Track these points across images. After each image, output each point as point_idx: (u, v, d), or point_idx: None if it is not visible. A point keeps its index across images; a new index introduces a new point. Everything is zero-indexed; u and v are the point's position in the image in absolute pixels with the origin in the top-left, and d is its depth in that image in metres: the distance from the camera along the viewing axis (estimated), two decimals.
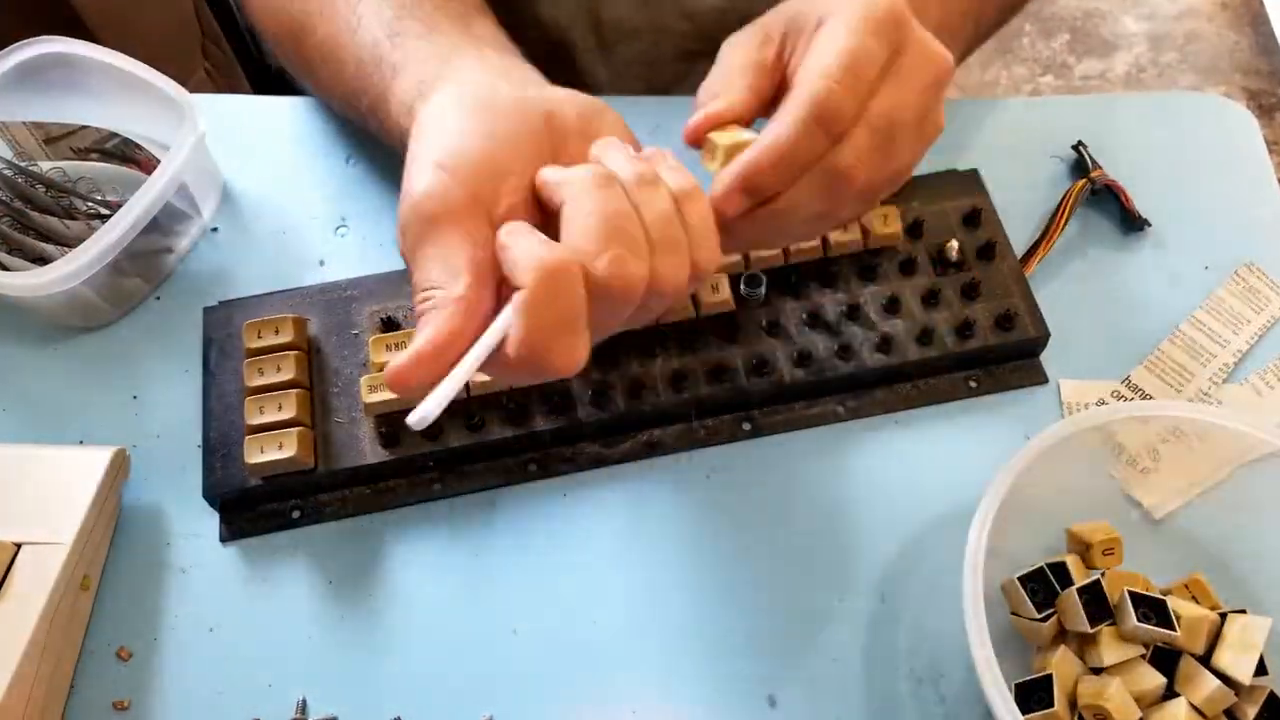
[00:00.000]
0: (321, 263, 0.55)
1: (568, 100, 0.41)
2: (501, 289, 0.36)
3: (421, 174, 0.37)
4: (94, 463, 0.46)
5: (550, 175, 0.37)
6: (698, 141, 0.41)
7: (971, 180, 0.55)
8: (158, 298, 0.54)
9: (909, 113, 0.39)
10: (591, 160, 0.37)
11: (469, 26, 0.48)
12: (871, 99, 0.38)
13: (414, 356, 0.34)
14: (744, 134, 0.40)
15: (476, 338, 0.35)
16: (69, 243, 0.50)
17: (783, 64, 0.42)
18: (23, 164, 0.53)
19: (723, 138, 0.40)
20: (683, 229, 0.37)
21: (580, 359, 0.35)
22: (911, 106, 0.39)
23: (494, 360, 0.35)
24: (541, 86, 0.43)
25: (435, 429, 0.47)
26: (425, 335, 0.34)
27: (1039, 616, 0.42)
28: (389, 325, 0.50)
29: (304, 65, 0.54)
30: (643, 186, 0.36)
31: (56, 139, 0.55)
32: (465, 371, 0.34)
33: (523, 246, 0.34)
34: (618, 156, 0.37)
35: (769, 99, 0.42)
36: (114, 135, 0.55)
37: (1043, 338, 0.51)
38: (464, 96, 0.40)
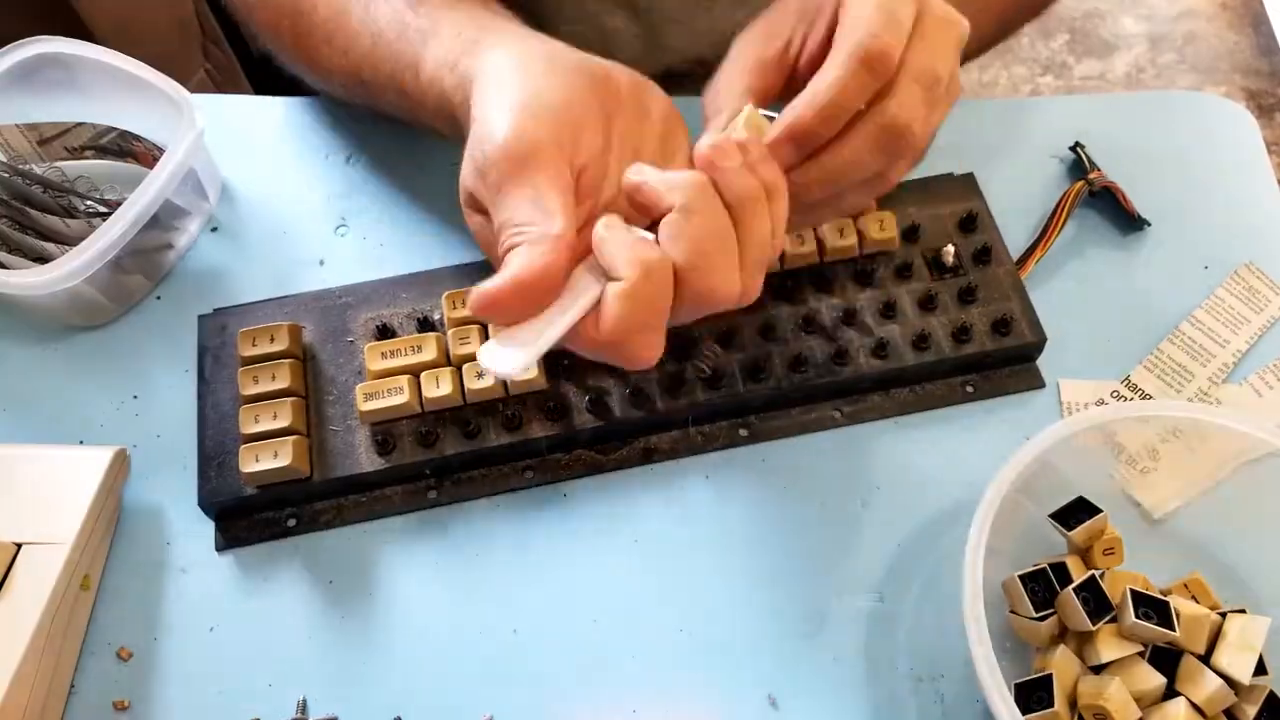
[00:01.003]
0: (321, 262, 0.55)
1: (621, 70, 0.42)
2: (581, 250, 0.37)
3: (505, 117, 0.38)
4: (94, 463, 0.46)
5: (654, 180, 0.37)
6: None
7: (968, 184, 0.55)
8: (158, 297, 0.54)
9: (943, 68, 0.40)
10: (700, 162, 0.38)
11: (488, 3, 0.48)
12: (908, 55, 0.39)
13: (512, 282, 0.35)
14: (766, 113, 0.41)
15: (565, 280, 0.36)
16: (70, 241, 0.50)
17: (790, 58, 0.42)
18: (19, 165, 0.53)
19: (745, 118, 0.41)
20: (771, 247, 0.38)
21: (657, 355, 0.37)
22: (943, 62, 0.40)
23: (578, 332, 0.36)
24: (586, 56, 0.43)
25: (432, 436, 0.47)
26: (522, 263, 0.35)
27: (1036, 616, 0.42)
28: (384, 333, 0.50)
29: (304, 45, 0.54)
30: (746, 204, 0.37)
31: (50, 139, 0.55)
32: (565, 324, 0.36)
33: (624, 240, 0.36)
34: (730, 163, 0.37)
35: (776, 95, 0.42)
36: (110, 130, 0.55)
37: (1039, 342, 0.51)
38: (530, 52, 0.41)
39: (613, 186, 0.41)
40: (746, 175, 0.37)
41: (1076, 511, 0.44)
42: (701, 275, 0.36)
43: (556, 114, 0.38)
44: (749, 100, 0.42)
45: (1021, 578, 0.43)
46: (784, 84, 0.43)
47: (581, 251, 0.37)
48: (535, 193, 0.36)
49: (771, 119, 0.41)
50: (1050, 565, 0.43)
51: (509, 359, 0.35)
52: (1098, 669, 0.41)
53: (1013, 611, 0.43)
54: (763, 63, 0.42)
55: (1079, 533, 0.43)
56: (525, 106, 0.38)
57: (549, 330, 0.36)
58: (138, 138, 0.56)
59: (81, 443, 0.50)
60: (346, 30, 0.50)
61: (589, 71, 0.41)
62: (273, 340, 0.49)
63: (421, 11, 0.47)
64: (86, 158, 0.56)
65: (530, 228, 0.36)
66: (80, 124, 0.55)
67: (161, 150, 0.54)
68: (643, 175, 0.37)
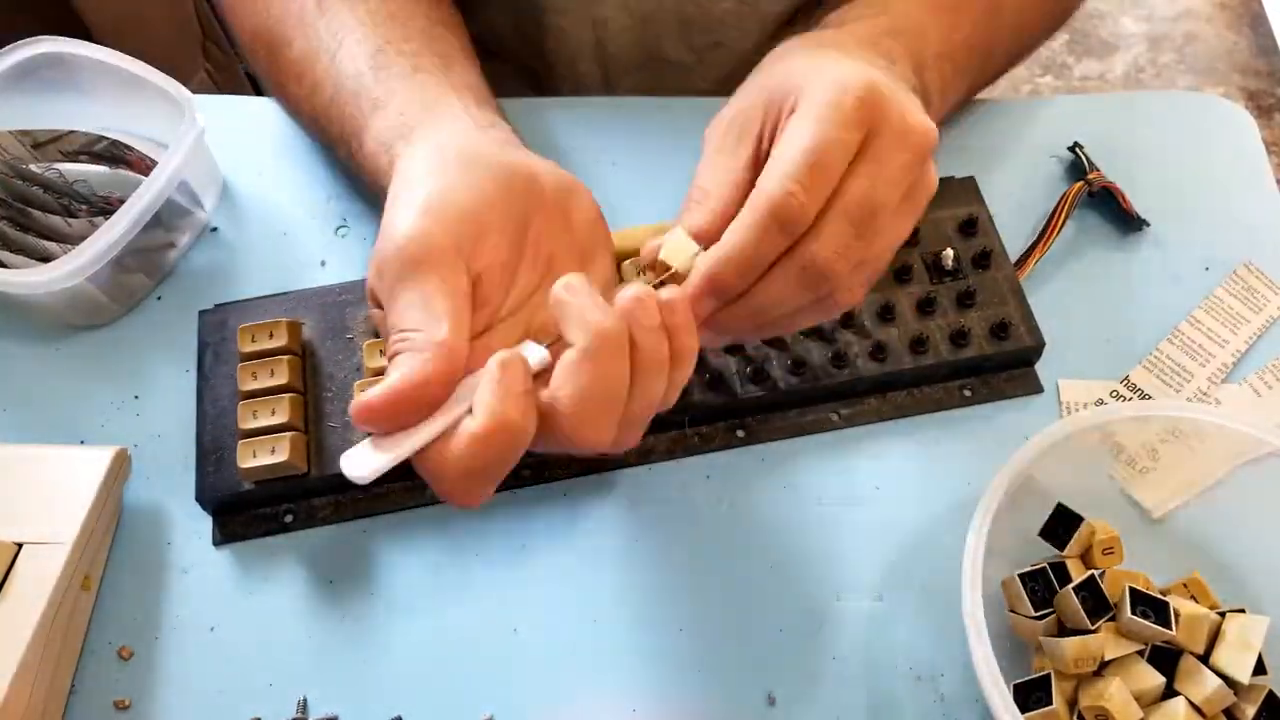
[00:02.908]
0: (323, 263, 0.55)
1: (547, 170, 0.41)
2: (470, 362, 0.35)
3: (407, 216, 0.37)
4: (95, 462, 0.46)
5: (575, 307, 0.35)
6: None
7: (968, 188, 0.55)
8: (159, 297, 0.55)
9: (889, 193, 0.38)
10: (618, 311, 0.35)
11: (450, 69, 0.48)
12: (845, 186, 0.38)
13: (389, 392, 0.33)
14: (691, 248, 0.39)
15: (452, 389, 0.34)
16: (71, 241, 0.50)
17: (762, 155, 0.40)
18: (21, 166, 0.53)
19: (671, 254, 0.39)
20: (658, 407, 0.37)
21: (607, 440, 0.35)
22: (892, 186, 0.38)
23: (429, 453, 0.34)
24: (520, 149, 0.42)
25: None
26: (403, 374, 0.34)
27: (1035, 615, 0.42)
28: None
29: (277, 78, 0.54)
30: (650, 366, 0.36)
31: (44, 144, 0.55)
32: (424, 438, 0.34)
33: (502, 379, 0.34)
34: (648, 322, 0.36)
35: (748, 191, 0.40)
36: (101, 138, 0.55)
37: (1038, 347, 0.51)
38: (451, 147, 0.40)
39: (522, 295, 0.40)
40: (659, 339, 0.36)
41: (1064, 520, 0.44)
42: (575, 424, 0.34)
43: (461, 215, 0.37)
44: (715, 215, 0.40)
45: (1021, 577, 0.43)
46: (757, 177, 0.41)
47: (475, 360, 0.36)
48: (423, 297, 0.35)
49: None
50: (1050, 565, 0.43)
51: (360, 463, 0.34)
52: (1098, 669, 0.41)
53: (1012, 610, 0.43)
54: (732, 180, 0.41)
55: (1073, 546, 0.43)
56: (429, 208, 0.37)
57: (408, 441, 0.34)
58: (130, 147, 0.56)
59: (82, 442, 0.50)
60: (314, 75, 0.50)
61: (510, 170, 0.40)
62: (272, 336, 0.49)
63: (380, 77, 0.46)
64: (82, 162, 0.56)
65: (415, 334, 0.34)
66: (72, 131, 0.55)
67: (153, 161, 0.54)
68: (571, 295, 0.35)
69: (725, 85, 0.70)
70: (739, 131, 0.41)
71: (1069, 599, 0.41)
